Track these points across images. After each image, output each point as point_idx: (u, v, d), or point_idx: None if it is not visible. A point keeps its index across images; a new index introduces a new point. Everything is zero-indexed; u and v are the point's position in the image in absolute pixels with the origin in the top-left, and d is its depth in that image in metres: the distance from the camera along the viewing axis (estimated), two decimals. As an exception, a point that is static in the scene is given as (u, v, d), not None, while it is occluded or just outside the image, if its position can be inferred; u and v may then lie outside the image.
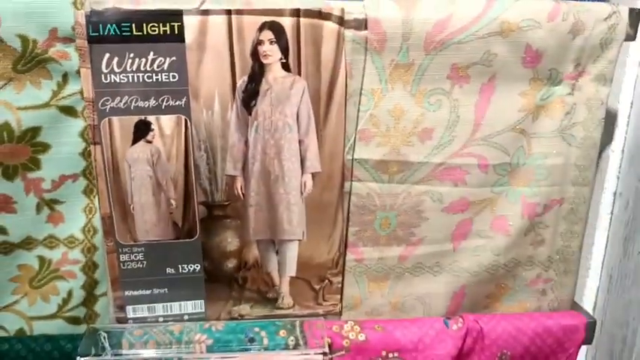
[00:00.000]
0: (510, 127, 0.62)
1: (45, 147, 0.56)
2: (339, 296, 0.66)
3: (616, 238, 0.71)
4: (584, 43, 0.59)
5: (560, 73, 0.61)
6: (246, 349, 0.61)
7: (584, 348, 0.71)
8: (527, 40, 0.58)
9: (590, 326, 0.68)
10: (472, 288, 0.68)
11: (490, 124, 0.62)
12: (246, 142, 0.58)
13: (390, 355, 0.64)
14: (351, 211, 0.63)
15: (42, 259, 0.60)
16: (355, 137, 0.60)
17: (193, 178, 0.58)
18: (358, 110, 0.59)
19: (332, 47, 0.55)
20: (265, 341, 0.62)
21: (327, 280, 0.64)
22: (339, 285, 0.65)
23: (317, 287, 0.65)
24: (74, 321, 0.62)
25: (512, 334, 0.67)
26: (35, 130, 0.55)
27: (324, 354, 0.62)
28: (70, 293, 0.61)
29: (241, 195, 0.59)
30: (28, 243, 0.59)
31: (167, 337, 0.61)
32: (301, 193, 0.60)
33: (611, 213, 0.72)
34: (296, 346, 0.62)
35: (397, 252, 0.65)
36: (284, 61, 0.56)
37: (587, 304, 0.75)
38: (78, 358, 0.57)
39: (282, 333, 0.63)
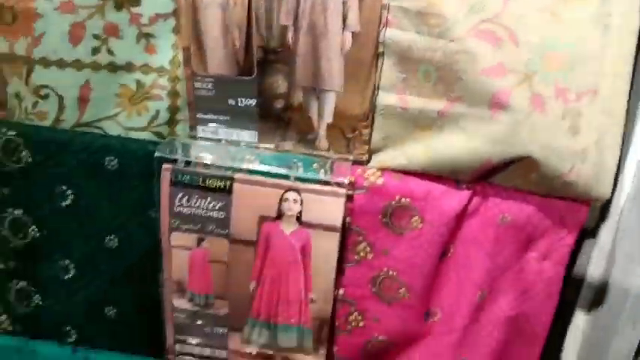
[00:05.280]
0: (538, 9, 0.66)
1: (144, -12, 0.71)
2: (367, 147, 0.77)
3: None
4: None
5: None
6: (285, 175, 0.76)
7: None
8: None
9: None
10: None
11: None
12: (298, -1, 0.69)
13: (403, 200, 0.76)
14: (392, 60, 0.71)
15: (138, 82, 0.77)
16: None
17: (254, 24, 0.71)
18: None
19: None
20: (300, 170, 0.76)
21: (357, 131, 0.76)
22: (367, 137, 0.76)
23: (349, 136, 0.77)
24: (159, 135, 0.80)
25: (518, 199, 0.74)
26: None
27: (346, 188, 0.75)
28: (157, 112, 0.78)
29: (291, 45, 0.72)
30: (129, 67, 0.76)
31: (224, 151, 0.77)
32: (341, 49, 0.71)
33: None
34: (324, 179, 0.75)
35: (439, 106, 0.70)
36: None
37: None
38: (156, 153, 0.75)
39: (315, 166, 0.76)
